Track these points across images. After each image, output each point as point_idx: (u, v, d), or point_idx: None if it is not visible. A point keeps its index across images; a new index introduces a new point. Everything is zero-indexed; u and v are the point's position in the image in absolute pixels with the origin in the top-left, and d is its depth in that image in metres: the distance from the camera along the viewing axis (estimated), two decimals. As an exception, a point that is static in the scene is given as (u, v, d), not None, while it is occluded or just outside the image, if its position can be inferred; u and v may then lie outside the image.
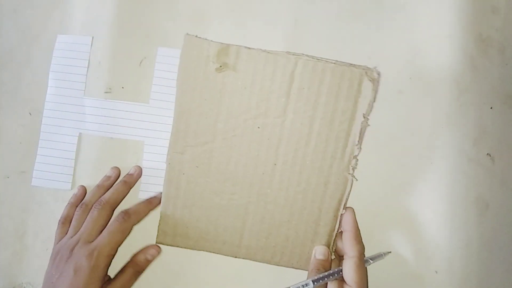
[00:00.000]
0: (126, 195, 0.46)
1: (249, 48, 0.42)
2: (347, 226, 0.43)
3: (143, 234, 0.46)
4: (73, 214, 0.45)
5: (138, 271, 0.45)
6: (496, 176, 0.48)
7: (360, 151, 0.44)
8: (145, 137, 0.47)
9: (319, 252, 0.44)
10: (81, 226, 0.43)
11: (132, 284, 0.44)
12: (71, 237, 0.43)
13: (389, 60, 0.49)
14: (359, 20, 0.49)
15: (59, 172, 0.47)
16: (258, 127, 0.43)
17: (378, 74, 0.42)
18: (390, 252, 0.46)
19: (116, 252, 0.43)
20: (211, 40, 0.43)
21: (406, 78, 0.49)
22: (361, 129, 0.43)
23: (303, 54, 0.42)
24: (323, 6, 0.50)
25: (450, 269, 0.47)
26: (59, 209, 0.47)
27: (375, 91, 0.43)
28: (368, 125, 0.44)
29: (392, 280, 0.47)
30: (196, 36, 0.43)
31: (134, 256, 0.45)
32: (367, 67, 0.42)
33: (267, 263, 0.46)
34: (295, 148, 0.43)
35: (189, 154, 0.44)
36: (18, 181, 0.48)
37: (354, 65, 0.42)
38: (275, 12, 0.49)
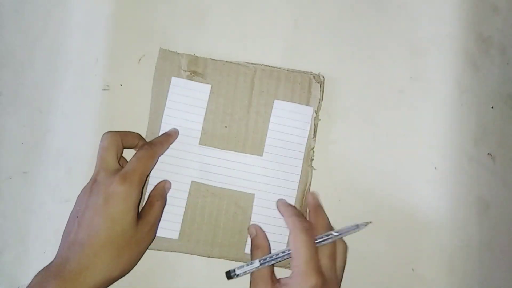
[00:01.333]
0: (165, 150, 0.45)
1: (214, 59, 0.48)
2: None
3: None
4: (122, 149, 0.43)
5: (163, 204, 0.44)
6: (497, 176, 0.48)
7: (315, 143, 0.47)
8: (257, 190, 0.47)
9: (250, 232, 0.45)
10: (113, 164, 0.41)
11: (160, 217, 0.43)
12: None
13: (389, 60, 0.49)
14: (359, 20, 0.50)
15: (168, 220, 0.46)
16: (226, 127, 0.47)
17: (323, 77, 0.48)
18: (371, 222, 0.44)
19: (146, 181, 0.41)
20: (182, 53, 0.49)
21: (407, 77, 0.49)
22: (315, 124, 0.47)
23: (260, 64, 0.48)
24: (323, 6, 0.50)
25: (450, 269, 0.47)
26: (58, 210, 0.47)
27: (322, 91, 0.48)
28: (319, 119, 0.48)
29: (393, 279, 0.47)
30: (169, 50, 0.48)
31: (156, 189, 0.44)
32: (314, 72, 0.48)
33: (240, 260, 0.46)
34: (258, 148, 0.47)
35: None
36: (21, 182, 0.48)
37: (303, 71, 0.48)
38: (275, 12, 0.50)
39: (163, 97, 0.48)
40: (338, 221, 0.47)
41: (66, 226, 0.39)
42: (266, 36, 0.49)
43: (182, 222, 0.46)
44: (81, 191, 0.41)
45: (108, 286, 0.38)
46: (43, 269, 0.37)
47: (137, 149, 0.43)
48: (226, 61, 0.48)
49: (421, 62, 0.49)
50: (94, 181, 0.39)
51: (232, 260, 0.46)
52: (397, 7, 0.50)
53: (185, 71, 0.48)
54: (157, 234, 0.45)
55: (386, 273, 0.47)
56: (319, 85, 0.48)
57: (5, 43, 0.50)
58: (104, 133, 0.42)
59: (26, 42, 0.50)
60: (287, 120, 0.47)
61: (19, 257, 0.48)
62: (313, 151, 0.47)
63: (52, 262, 0.37)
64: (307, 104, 0.48)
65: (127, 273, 0.40)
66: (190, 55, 0.48)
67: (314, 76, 0.48)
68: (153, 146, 0.43)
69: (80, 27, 0.50)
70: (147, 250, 0.45)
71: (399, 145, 0.48)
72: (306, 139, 0.47)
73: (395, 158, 0.48)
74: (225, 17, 0.50)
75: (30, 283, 0.36)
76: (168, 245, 0.46)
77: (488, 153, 0.48)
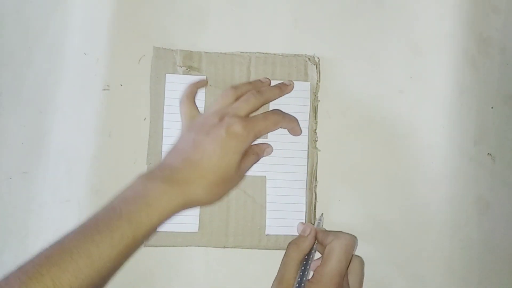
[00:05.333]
0: (276, 98, 0.47)
1: (209, 52, 0.48)
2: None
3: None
4: (196, 93, 0.47)
5: (256, 161, 0.46)
6: (497, 176, 0.48)
7: (317, 125, 0.48)
8: (267, 172, 0.47)
9: (299, 229, 0.45)
10: (228, 104, 0.44)
11: (251, 166, 0.45)
12: (216, 110, 0.43)
13: (389, 60, 0.49)
14: (359, 20, 0.50)
15: (186, 214, 0.46)
16: None
17: (318, 58, 0.48)
18: (322, 213, 0.47)
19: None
20: (176, 49, 0.49)
21: (406, 78, 0.49)
22: (314, 106, 0.48)
23: (254, 52, 0.49)
24: (323, 6, 0.50)
25: (450, 269, 0.47)
26: (58, 210, 0.47)
27: (319, 72, 0.48)
28: (319, 100, 0.48)
29: (393, 280, 0.47)
30: (162, 47, 0.49)
31: (255, 146, 0.46)
32: (308, 54, 0.48)
33: (255, 248, 0.46)
34: None
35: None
36: (21, 182, 0.48)
37: (298, 54, 0.48)
38: (275, 12, 0.50)
39: (161, 95, 0.48)
40: (338, 221, 0.47)
41: (178, 143, 0.43)
42: (265, 34, 0.49)
43: (200, 214, 0.47)
44: (203, 121, 0.43)
45: (191, 208, 0.40)
46: (143, 174, 0.40)
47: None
48: (220, 53, 0.48)
49: (421, 62, 0.49)
50: (221, 119, 0.42)
51: (248, 248, 0.46)
52: (397, 7, 0.50)
53: (181, 67, 0.48)
54: (176, 230, 0.46)
55: (386, 273, 0.47)
56: (314, 66, 0.48)
57: (5, 43, 0.50)
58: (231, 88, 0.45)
59: (26, 42, 0.50)
60: (286, 98, 0.48)
61: (19, 257, 0.47)
62: (316, 133, 0.47)
63: (157, 169, 0.40)
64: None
65: (209, 204, 0.42)
66: (184, 50, 0.48)
67: (309, 58, 0.48)
68: (281, 114, 0.45)
69: (80, 27, 0.50)
70: (162, 248, 0.46)
71: (399, 145, 0.48)
72: (308, 115, 0.48)
73: (395, 158, 0.48)
74: (225, 17, 0.50)
75: (130, 184, 0.39)
76: (182, 240, 0.46)
77: (488, 153, 0.48)
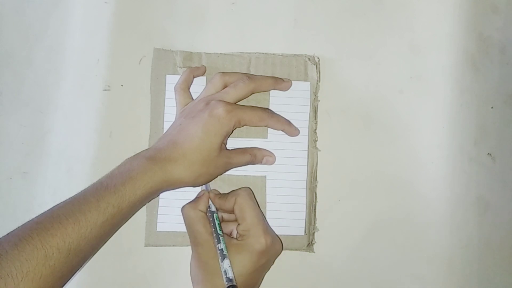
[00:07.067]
0: (266, 90, 0.47)
1: (208, 53, 0.49)
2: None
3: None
4: (192, 81, 0.47)
5: (251, 162, 0.46)
6: (497, 176, 0.48)
7: (317, 125, 0.48)
8: (268, 172, 0.48)
9: None
10: (217, 90, 0.45)
11: (240, 165, 0.46)
12: (204, 96, 0.45)
13: (389, 60, 0.49)
14: (359, 19, 0.50)
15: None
16: None
17: (318, 58, 0.48)
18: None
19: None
20: (176, 50, 0.49)
21: (406, 77, 0.49)
22: (314, 106, 0.48)
23: (254, 52, 0.49)
24: (323, 6, 0.50)
25: (450, 269, 0.47)
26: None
27: (319, 72, 0.48)
28: (319, 100, 0.48)
29: (393, 279, 0.47)
30: (163, 49, 0.49)
31: (256, 149, 0.47)
32: (308, 54, 0.48)
33: None
34: (262, 131, 0.48)
35: None
36: (21, 182, 0.48)
37: (297, 55, 0.48)
38: (275, 12, 0.50)
39: (161, 96, 0.48)
40: (337, 221, 0.47)
41: (168, 129, 0.45)
42: (265, 34, 0.49)
43: None
44: (191, 107, 0.44)
45: (175, 187, 0.42)
46: (134, 154, 0.42)
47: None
48: (220, 53, 0.49)
49: (421, 62, 0.49)
50: (207, 103, 0.43)
51: None
52: (397, 7, 0.50)
53: (181, 68, 0.48)
54: (176, 230, 0.46)
55: (386, 273, 0.47)
56: (314, 66, 0.48)
57: (5, 43, 0.50)
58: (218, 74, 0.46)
59: (26, 42, 0.50)
60: (286, 98, 0.48)
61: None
62: (316, 133, 0.47)
63: (144, 150, 0.42)
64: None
65: (192, 184, 0.43)
66: (184, 51, 0.49)
67: (309, 58, 0.48)
68: (270, 114, 0.46)
69: (80, 27, 0.50)
70: (163, 247, 0.47)
71: (399, 145, 0.48)
72: (308, 115, 0.47)
73: (395, 158, 0.48)
74: (225, 17, 0.50)
75: (121, 164, 0.41)
76: (182, 240, 0.46)
77: (488, 153, 0.48)
